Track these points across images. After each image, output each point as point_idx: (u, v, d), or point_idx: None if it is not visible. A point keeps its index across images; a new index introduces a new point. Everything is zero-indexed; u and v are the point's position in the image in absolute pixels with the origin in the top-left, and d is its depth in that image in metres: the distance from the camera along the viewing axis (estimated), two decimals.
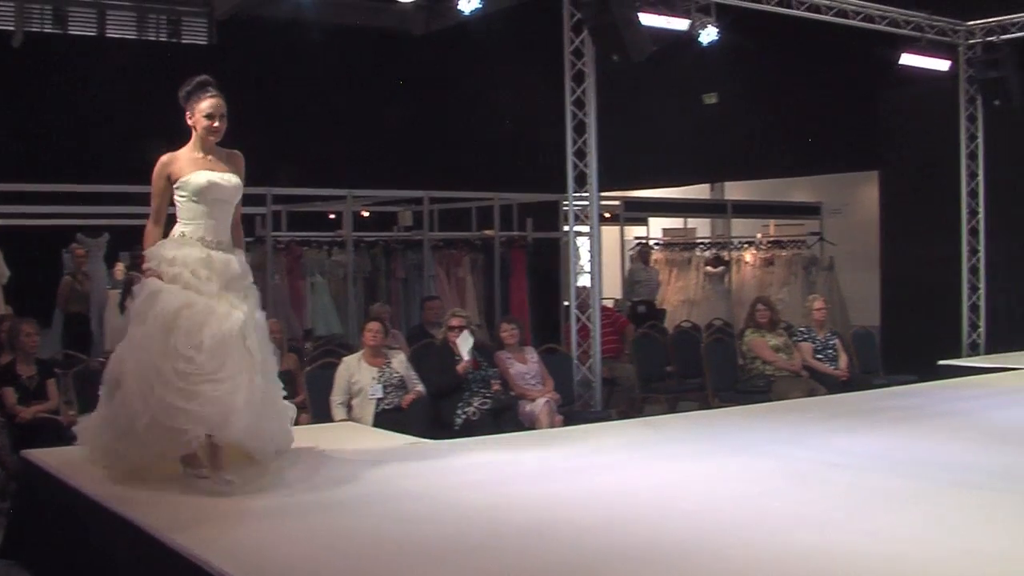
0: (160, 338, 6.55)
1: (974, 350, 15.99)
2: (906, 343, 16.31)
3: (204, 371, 6.52)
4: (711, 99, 22.66)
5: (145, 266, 6.95)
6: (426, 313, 13.78)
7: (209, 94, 6.97)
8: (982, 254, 16.20)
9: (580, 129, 12.48)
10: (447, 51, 22.61)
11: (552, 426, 10.61)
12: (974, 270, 16.25)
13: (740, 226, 21.11)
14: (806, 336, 13.09)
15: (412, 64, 23.15)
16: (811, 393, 12.01)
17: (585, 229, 12.81)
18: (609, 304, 16.90)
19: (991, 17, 15.70)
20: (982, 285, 16.20)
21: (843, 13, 14.61)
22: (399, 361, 10.50)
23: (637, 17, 11.93)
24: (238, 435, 6.63)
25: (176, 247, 6.92)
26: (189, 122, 7.01)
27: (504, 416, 10.65)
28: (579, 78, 12.51)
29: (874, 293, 18.58)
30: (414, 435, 8.86)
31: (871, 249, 18.87)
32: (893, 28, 15.17)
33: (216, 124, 6.99)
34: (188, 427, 6.41)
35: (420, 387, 10.51)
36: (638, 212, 20.88)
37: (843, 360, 13.03)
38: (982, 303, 16.18)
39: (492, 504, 6.37)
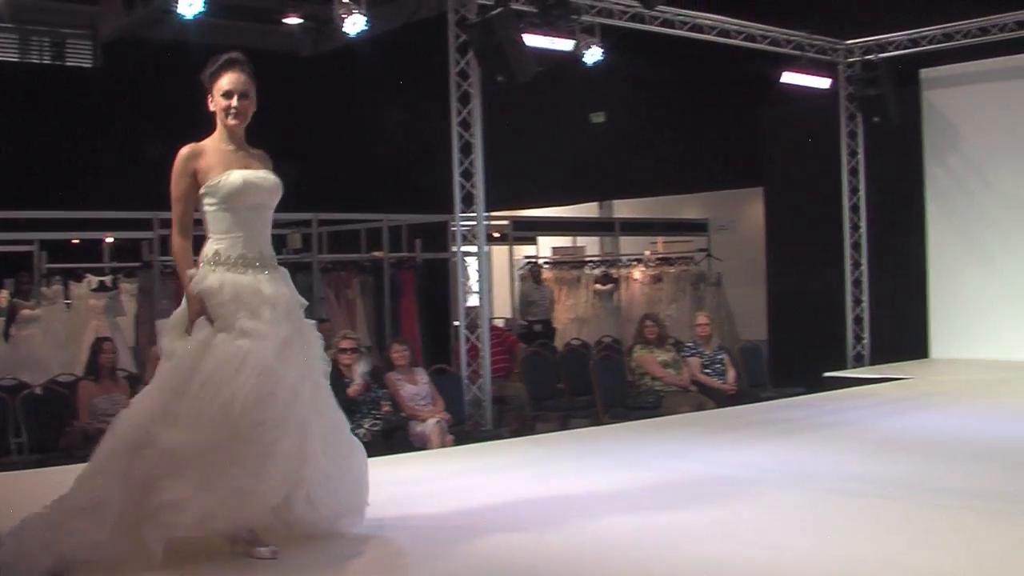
0: (216, 409, 5.38)
1: (859, 361, 16.25)
2: (793, 356, 16.52)
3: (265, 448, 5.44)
4: (598, 118, 22.81)
5: (191, 298, 5.73)
6: None
7: (232, 69, 5.89)
8: (865, 267, 16.49)
9: (466, 150, 12.51)
10: (335, 73, 22.56)
11: (443, 446, 10.61)
12: (857, 283, 16.53)
13: (630, 244, 21.26)
14: (694, 351, 13.23)
15: (300, 86, 23.06)
16: (700, 407, 12.14)
17: (473, 249, 12.86)
18: (500, 323, 16.94)
19: (869, 36, 16.01)
20: (865, 298, 16.48)
21: (725, 33, 14.80)
22: None
23: (521, 38, 11.99)
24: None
25: (219, 275, 5.71)
26: (211, 107, 5.94)
27: (395, 437, 10.64)
28: (465, 99, 12.54)
29: (761, 307, 18.79)
30: None
31: (758, 264, 19.08)
32: (774, 47, 15.41)
33: (235, 104, 5.84)
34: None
35: None
36: (527, 231, 20.95)
37: (731, 374, 13.18)
38: (866, 315, 16.46)
39: (382, 526, 6.36)
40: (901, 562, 5.58)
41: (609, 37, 13.90)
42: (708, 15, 14.54)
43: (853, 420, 10.62)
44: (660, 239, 21.77)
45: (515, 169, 19.07)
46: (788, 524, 6.36)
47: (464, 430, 11.75)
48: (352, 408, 10.59)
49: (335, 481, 5.90)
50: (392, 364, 11.52)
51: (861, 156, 16.53)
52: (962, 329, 15.64)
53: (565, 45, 13.25)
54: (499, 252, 20.12)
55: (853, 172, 16.55)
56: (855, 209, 16.55)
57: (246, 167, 5.86)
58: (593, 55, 13.70)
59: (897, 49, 15.85)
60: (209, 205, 5.80)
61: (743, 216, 21.39)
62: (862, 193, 16.52)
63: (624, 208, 23.41)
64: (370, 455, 9.63)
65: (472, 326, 12.66)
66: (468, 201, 12.54)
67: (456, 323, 12.93)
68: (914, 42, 15.61)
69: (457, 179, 12.51)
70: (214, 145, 5.89)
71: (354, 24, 12.07)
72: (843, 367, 15.67)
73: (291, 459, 5.53)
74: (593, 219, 23.61)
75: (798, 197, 17.71)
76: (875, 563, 5.54)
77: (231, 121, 5.85)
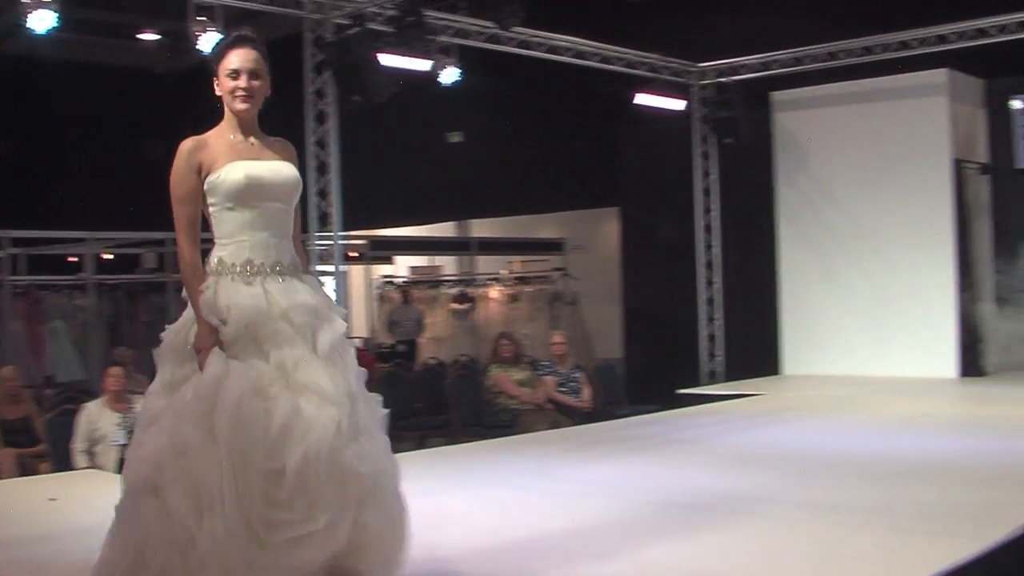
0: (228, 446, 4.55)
1: (713, 378, 16.49)
2: (649, 373, 16.70)
3: (292, 517, 4.57)
4: (456, 138, 22.87)
5: (202, 324, 4.83)
6: None
7: (242, 46, 4.99)
8: (718, 285, 16.76)
9: (323, 169, 12.49)
10: (190, 89, 22.33)
11: None
12: (711, 301, 16.79)
13: (487, 263, 21.35)
14: (550, 370, 13.26)
15: (155, 103, 22.78)
16: (555, 425, 12.19)
17: (330, 269, 12.80)
18: (357, 343, 16.86)
19: (722, 59, 16.29)
20: (719, 315, 16.75)
21: (581, 54, 14.95)
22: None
23: (377, 58, 12.02)
24: None
25: (225, 291, 4.84)
26: (217, 92, 5.02)
27: None
28: (321, 118, 12.52)
29: (617, 326, 18.98)
30: None
31: (613, 283, 19.28)
32: (629, 69, 15.59)
33: (243, 84, 4.94)
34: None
35: None
36: (384, 251, 20.92)
37: (586, 392, 13.24)
38: (719, 333, 16.72)
39: None
40: (753, 573, 5.68)
41: (466, 57, 13.98)
42: (564, 37, 14.68)
43: (706, 436, 10.75)
44: (517, 258, 21.87)
45: (372, 188, 19.06)
46: (640, 539, 6.40)
47: None
48: None
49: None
50: None
51: (714, 176, 16.82)
52: (813, 346, 15.94)
53: (422, 65, 13.30)
54: (356, 272, 20.06)
55: (706, 192, 16.83)
56: (708, 229, 16.83)
57: (256, 159, 4.97)
58: (450, 75, 13.81)
59: (749, 72, 16.16)
60: (212, 205, 4.92)
61: (599, 236, 21.57)
62: (715, 213, 16.82)
63: (481, 228, 23.49)
64: None
65: None
66: (324, 220, 12.51)
67: None
68: (765, 66, 15.92)
69: (313, 198, 12.48)
70: (220, 136, 4.99)
71: (209, 42, 11.98)
72: (697, 384, 15.87)
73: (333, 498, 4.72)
74: (450, 238, 23.65)
75: (653, 217, 17.95)
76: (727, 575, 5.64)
77: (239, 105, 4.95)
